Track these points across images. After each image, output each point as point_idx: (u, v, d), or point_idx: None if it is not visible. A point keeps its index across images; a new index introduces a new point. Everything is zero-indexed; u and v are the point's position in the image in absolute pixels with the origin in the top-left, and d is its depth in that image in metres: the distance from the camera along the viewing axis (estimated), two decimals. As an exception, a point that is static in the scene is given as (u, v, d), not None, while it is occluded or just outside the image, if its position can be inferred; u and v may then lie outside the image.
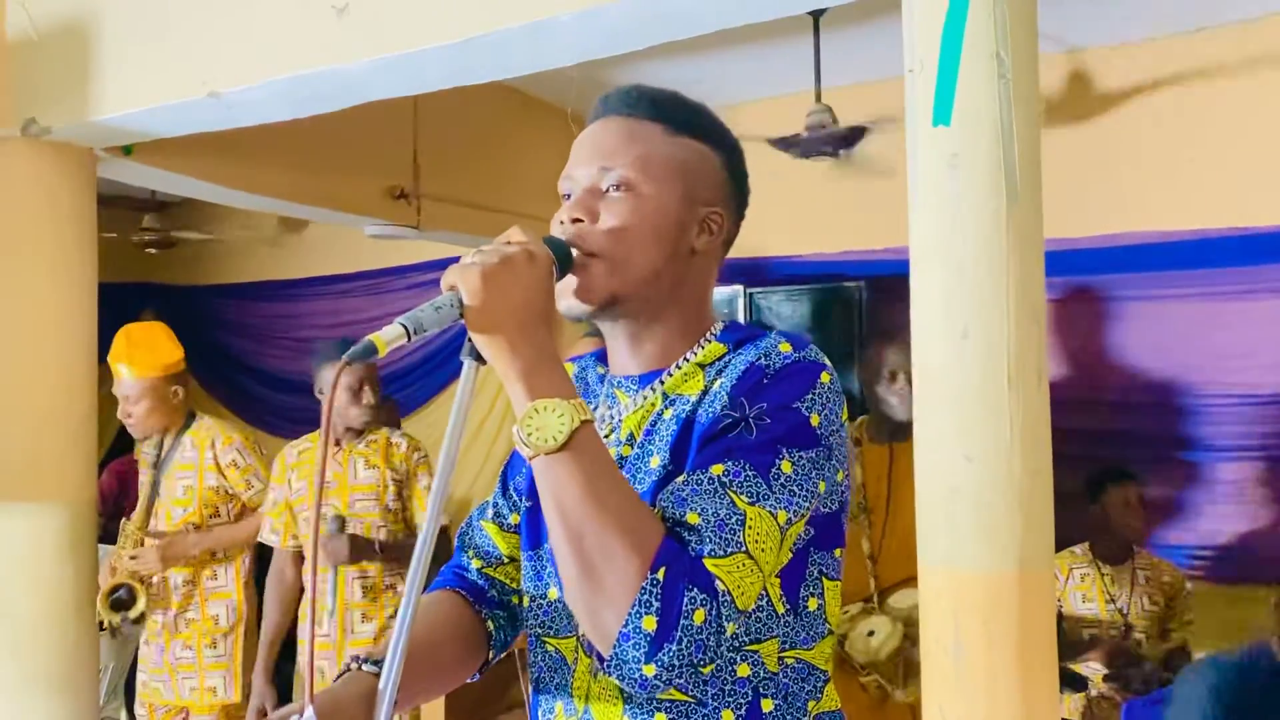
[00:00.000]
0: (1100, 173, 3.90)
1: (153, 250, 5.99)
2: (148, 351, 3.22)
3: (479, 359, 0.97)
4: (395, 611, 2.96)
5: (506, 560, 1.24)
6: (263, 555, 3.35)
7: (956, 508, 1.76)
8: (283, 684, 3.26)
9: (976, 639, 1.72)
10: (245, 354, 6.42)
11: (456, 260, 0.96)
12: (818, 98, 3.79)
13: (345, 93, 2.68)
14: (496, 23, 2.30)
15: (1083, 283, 4.01)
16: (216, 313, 6.47)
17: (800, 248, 4.56)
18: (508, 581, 1.25)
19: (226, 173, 3.79)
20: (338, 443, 3.09)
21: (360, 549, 2.97)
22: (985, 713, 1.72)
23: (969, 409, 1.75)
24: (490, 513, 1.26)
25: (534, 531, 1.16)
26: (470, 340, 0.96)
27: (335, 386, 0.87)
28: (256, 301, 6.41)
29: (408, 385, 5.58)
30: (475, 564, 1.26)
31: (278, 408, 6.23)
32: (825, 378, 1.03)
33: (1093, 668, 3.06)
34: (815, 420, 1.00)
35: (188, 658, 3.21)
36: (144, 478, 3.35)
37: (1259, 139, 3.77)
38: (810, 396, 1.01)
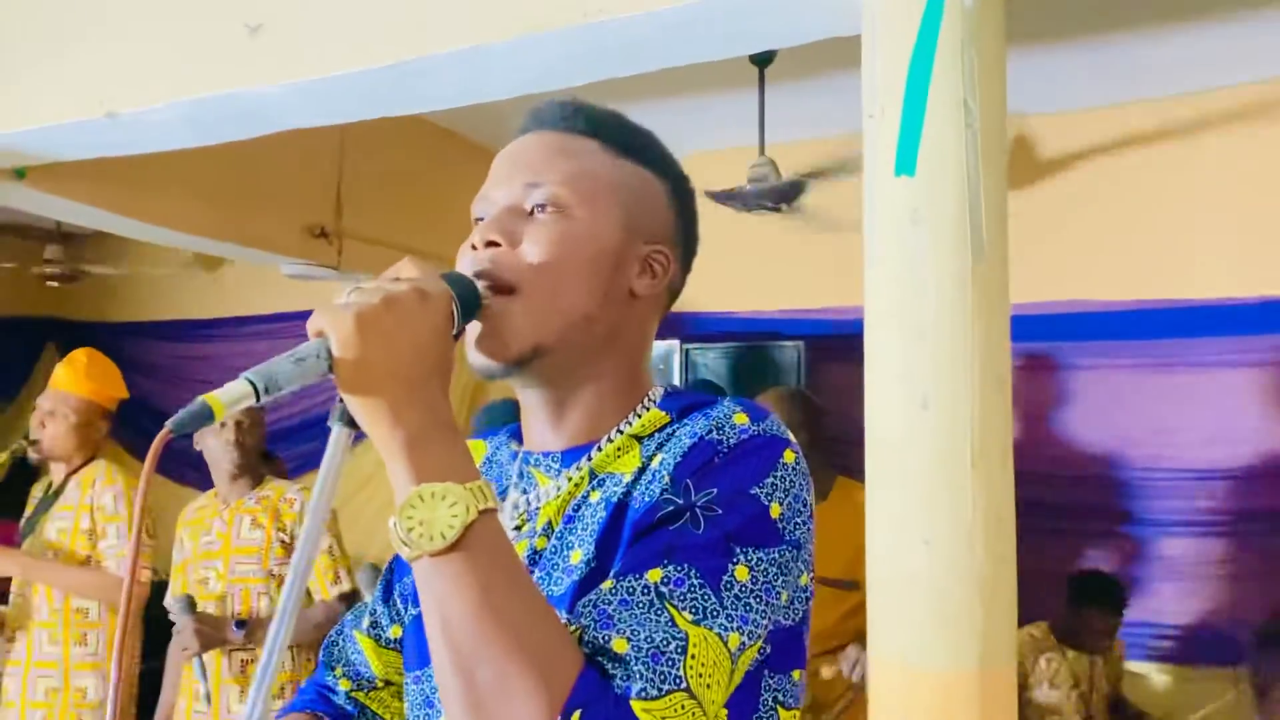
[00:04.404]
0: (1042, 239, 3.83)
1: (55, 284, 5.65)
2: (86, 375, 3.10)
3: (353, 425, 0.76)
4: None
5: (381, 684, 1.02)
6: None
7: (912, 597, 1.58)
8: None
9: (933, 746, 1.54)
10: (153, 396, 6.04)
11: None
12: (761, 151, 3.68)
13: (255, 119, 2.47)
14: (424, 49, 2.12)
15: (1025, 349, 3.93)
16: (123, 351, 6.07)
17: (737, 304, 4.43)
18: (382, 711, 1.02)
19: (135, 204, 3.53)
20: (226, 501, 2.84)
21: (211, 635, 2.60)
22: (940, 829, 1.53)
23: (928, 487, 1.58)
24: (366, 622, 1.03)
25: (423, 648, 0.91)
26: (342, 401, 0.75)
27: (153, 458, 0.66)
28: (166, 341, 6.07)
29: (298, 443, 4.94)
30: (343, 685, 1.03)
31: (186, 455, 5.87)
32: (789, 456, 0.82)
33: None
34: (776, 510, 0.79)
35: None
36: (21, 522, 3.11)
37: (1202, 210, 3.74)
38: (771, 480, 0.80)
